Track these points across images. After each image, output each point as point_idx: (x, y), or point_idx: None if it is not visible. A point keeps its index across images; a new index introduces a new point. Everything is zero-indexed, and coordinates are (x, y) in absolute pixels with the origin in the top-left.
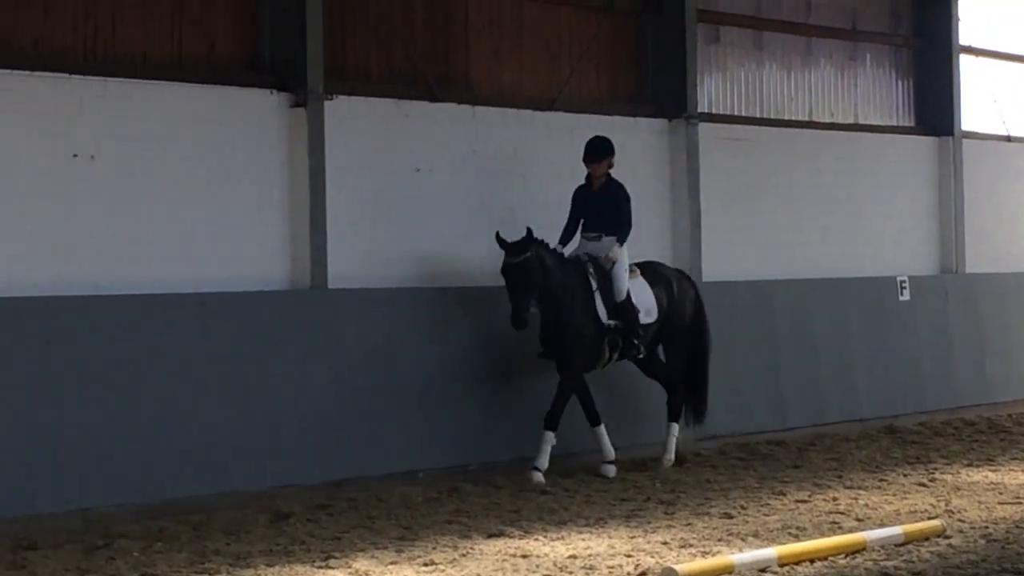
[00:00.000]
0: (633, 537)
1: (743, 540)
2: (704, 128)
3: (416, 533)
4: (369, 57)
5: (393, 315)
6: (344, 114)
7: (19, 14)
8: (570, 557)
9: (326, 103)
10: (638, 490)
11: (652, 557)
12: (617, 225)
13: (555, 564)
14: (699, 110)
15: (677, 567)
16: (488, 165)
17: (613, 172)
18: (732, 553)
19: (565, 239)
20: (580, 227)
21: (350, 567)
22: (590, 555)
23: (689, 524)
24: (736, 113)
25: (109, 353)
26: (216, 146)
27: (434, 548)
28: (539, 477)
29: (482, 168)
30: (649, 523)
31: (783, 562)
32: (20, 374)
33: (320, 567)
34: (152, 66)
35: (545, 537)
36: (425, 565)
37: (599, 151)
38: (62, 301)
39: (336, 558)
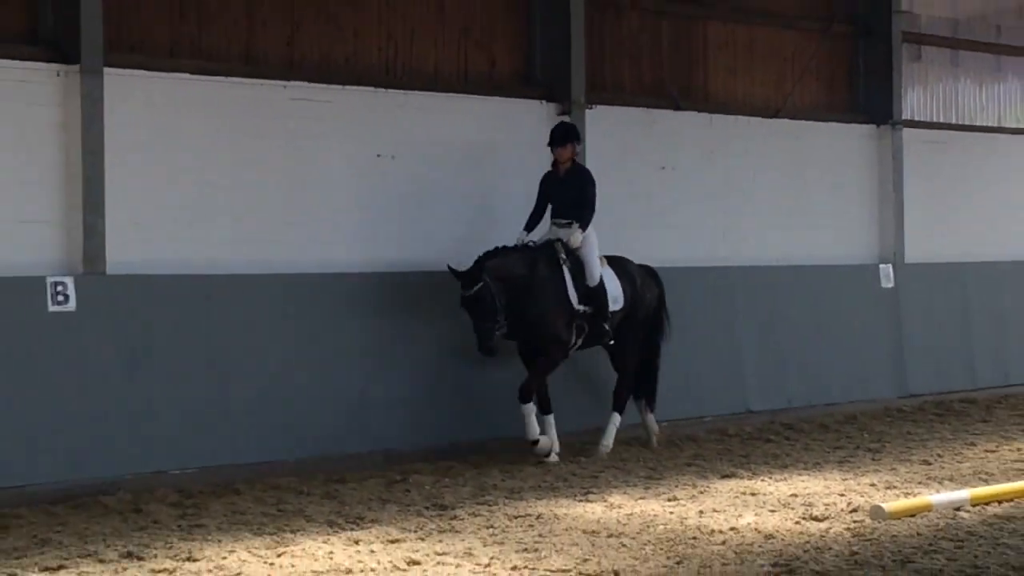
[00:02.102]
0: (845, 479)
1: (940, 483)
2: (907, 133)
3: (661, 473)
4: (623, 73)
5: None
6: (602, 121)
7: (334, 38)
8: (792, 495)
9: (587, 111)
10: (849, 440)
11: (862, 496)
12: (581, 211)
13: (779, 501)
14: (903, 117)
15: (884, 505)
16: (724, 163)
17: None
18: (931, 494)
19: (531, 225)
20: (550, 213)
21: (606, 501)
22: (809, 493)
23: (893, 469)
24: (935, 120)
25: (404, 318)
26: (494, 149)
27: (676, 486)
28: (544, 443)
29: (719, 166)
30: (859, 468)
31: (975, 502)
32: (332, 338)
33: (581, 500)
34: (443, 81)
35: (770, 478)
36: (669, 500)
37: (564, 136)
38: (366, 277)
39: (594, 493)
